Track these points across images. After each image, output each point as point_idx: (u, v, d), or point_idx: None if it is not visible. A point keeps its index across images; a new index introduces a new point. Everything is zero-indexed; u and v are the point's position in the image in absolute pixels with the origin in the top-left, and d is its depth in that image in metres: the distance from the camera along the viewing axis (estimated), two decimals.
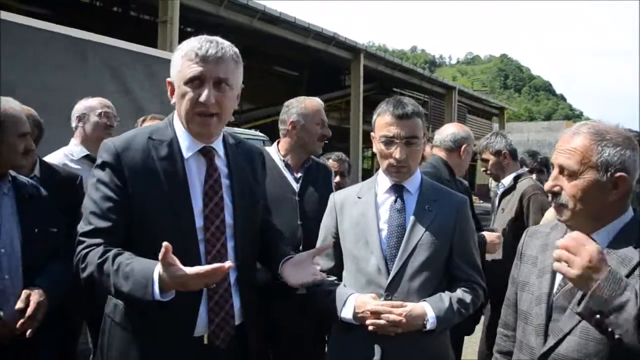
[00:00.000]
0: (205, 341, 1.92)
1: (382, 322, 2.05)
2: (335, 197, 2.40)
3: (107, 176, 1.85)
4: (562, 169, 1.71)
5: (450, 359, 2.29)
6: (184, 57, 1.85)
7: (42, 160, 2.95)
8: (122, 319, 1.91)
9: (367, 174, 23.17)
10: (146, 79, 5.80)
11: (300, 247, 2.80)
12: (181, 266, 1.63)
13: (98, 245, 1.80)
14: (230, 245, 1.97)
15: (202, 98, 1.82)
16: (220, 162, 2.02)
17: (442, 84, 24.67)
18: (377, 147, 2.24)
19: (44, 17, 14.64)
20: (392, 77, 21.44)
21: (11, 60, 4.21)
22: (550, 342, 1.70)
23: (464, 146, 3.59)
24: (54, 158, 3.33)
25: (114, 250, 1.78)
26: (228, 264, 1.65)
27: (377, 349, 2.10)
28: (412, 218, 2.20)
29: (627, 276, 1.57)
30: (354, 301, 2.13)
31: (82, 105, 3.57)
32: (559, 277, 1.78)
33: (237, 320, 2.00)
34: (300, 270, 2.03)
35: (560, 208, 1.72)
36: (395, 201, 2.25)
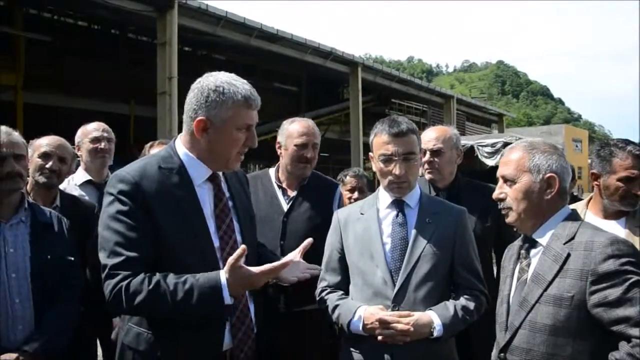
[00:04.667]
0: (228, 357, 2.06)
1: (391, 331, 2.14)
2: (338, 215, 2.51)
3: (129, 206, 1.91)
4: (505, 179, 2.04)
5: None
6: (238, 104, 1.98)
7: (62, 191, 3.08)
8: (148, 347, 1.96)
9: (369, 184, 23.22)
10: None
11: None
12: (248, 267, 1.88)
13: (135, 274, 1.86)
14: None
15: (255, 144, 2.09)
16: (224, 186, 2.17)
17: (440, 93, 24.82)
18: (377, 165, 2.35)
19: (44, 43, 14.94)
20: (390, 88, 21.61)
21: None
22: (507, 335, 1.94)
23: None
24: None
25: (158, 275, 1.87)
26: (286, 260, 1.96)
27: (387, 358, 2.18)
28: (414, 231, 2.31)
29: (559, 271, 1.85)
30: (363, 313, 2.22)
31: (80, 131, 3.58)
32: (515, 280, 2.03)
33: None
34: (292, 269, 2.15)
35: (506, 211, 2.04)
36: (397, 215, 2.35)
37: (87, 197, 3.37)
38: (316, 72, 19.37)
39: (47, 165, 2.95)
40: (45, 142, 3.03)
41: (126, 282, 1.85)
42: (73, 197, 3.12)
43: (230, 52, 18.25)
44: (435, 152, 3.12)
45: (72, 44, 16.33)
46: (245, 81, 2.04)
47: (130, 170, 1.98)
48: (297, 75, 21.52)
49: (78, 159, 3.34)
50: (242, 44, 14.85)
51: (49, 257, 2.43)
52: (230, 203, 2.15)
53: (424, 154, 3.09)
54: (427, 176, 3.16)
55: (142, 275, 1.85)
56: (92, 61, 16.37)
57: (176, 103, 11.51)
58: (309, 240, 2.25)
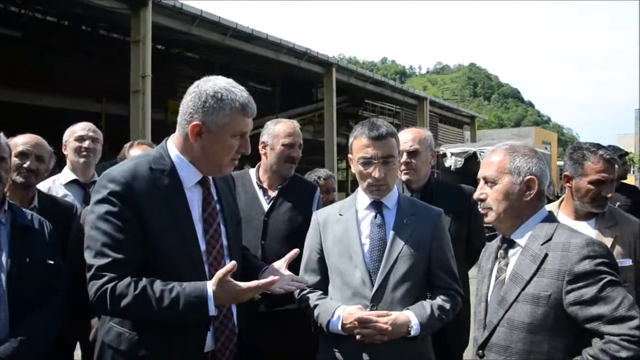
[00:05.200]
0: (210, 359, 2.07)
1: (369, 331, 2.18)
2: (317, 216, 2.53)
3: (118, 207, 1.90)
4: (486, 180, 2.10)
5: None
6: (235, 111, 1.99)
7: (40, 191, 3.03)
8: (129, 347, 1.96)
9: (341, 185, 23.34)
10: None
11: None
12: (235, 282, 1.88)
13: (121, 277, 1.85)
14: (226, 264, 2.09)
15: (248, 150, 2.10)
16: (212, 190, 2.17)
17: (413, 94, 25.03)
18: (356, 168, 2.38)
19: (13, 38, 14.58)
20: (364, 89, 21.70)
21: None
22: (485, 333, 2.01)
23: None
24: (43, 184, 3.35)
25: (145, 280, 1.86)
26: (273, 277, 1.95)
27: (366, 357, 2.22)
28: (392, 232, 2.35)
29: (536, 271, 1.92)
30: (342, 313, 2.25)
31: (67, 131, 3.57)
32: (493, 279, 2.09)
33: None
34: (280, 279, 2.14)
35: (486, 211, 2.10)
36: (375, 217, 2.39)
37: (72, 197, 3.34)
38: (290, 72, 19.35)
39: (25, 165, 2.91)
40: (21, 141, 2.98)
41: (112, 284, 1.84)
42: (52, 197, 3.08)
43: (204, 51, 18.12)
44: (412, 153, 3.17)
45: (40, 39, 15.97)
46: (243, 88, 2.05)
47: (121, 170, 1.97)
48: (272, 75, 21.46)
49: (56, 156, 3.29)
50: (216, 43, 14.76)
51: (27, 259, 2.36)
52: (217, 207, 2.16)
53: (401, 155, 3.14)
54: (404, 177, 3.19)
55: (128, 279, 1.85)
56: (62, 58, 16.02)
57: (149, 101, 11.40)
58: (295, 251, 2.28)
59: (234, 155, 2.07)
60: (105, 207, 1.91)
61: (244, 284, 1.89)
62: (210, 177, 2.16)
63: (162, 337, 1.94)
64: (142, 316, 1.88)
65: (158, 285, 1.86)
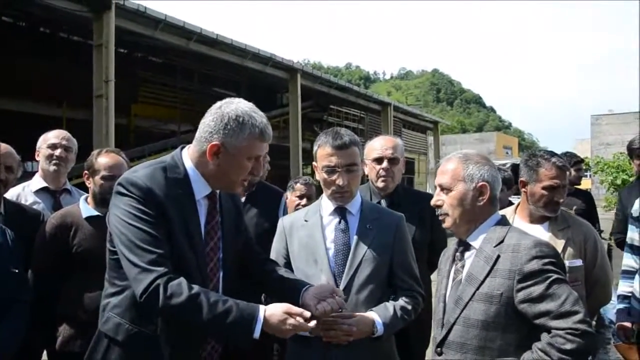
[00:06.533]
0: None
1: (335, 332, 2.25)
2: (284, 222, 2.61)
3: (147, 208, 1.93)
4: (442, 187, 2.19)
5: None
6: (254, 136, 2.04)
7: (6, 199, 2.99)
8: (126, 339, 1.99)
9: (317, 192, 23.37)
10: None
11: None
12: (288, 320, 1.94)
13: (168, 272, 1.87)
14: (220, 275, 2.17)
15: (260, 172, 2.17)
16: (217, 205, 2.22)
17: (377, 100, 25.25)
18: (320, 175, 2.46)
19: None
20: (329, 94, 21.82)
21: None
22: (443, 332, 2.11)
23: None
24: (13, 191, 3.31)
25: (198, 287, 1.89)
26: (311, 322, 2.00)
27: (332, 357, 2.30)
28: (355, 237, 2.44)
29: (490, 272, 2.03)
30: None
31: (41, 138, 3.54)
32: (451, 280, 2.19)
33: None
34: (321, 299, 2.15)
35: (443, 217, 2.19)
36: (340, 222, 2.47)
37: (42, 204, 3.31)
38: (255, 77, 19.33)
39: None
40: None
41: (164, 279, 1.85)
42: (18, 205, 3.04)
43: (168, 56, 17.94)
44: (392, 160, 3.25)
45: None
46: (262, 114, 2.10)
47: (140, 175, 1.99)
48: (236, 80, 21.38)
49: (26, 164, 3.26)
50: (181, 48, 14.62)
51: None
52: (219, 221, 2.20)
53: (380, 161, 3.23)
54: (381, 184, 3.24)
55: (181, 279, 1.87)
56: (20, 60, 15.52)
57: (113, 106, 11.23)
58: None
59: (246, 177, 2.13)
60: (133, 207, 1.93)
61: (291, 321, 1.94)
62: (217, 192, 2.21)
63: (160, 335, 1.98)
64: (190, 318, 1.88)
65: (212, 293, 1.91)
